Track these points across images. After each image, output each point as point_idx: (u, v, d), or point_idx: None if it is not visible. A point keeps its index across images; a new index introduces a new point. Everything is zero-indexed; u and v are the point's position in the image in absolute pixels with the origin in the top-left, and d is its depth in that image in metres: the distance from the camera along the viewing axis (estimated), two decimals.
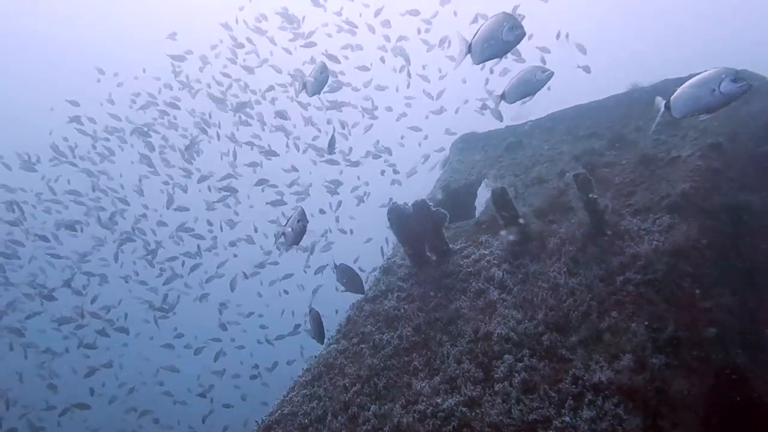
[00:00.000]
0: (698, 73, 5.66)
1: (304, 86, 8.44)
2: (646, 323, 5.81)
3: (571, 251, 7.28)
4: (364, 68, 22.96)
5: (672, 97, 5.86)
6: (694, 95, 5.64)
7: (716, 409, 5.55)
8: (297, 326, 23.55)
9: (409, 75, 22.21)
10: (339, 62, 20.47)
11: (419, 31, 23.12)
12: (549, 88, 7.31)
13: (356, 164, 23.91)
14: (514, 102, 6.90)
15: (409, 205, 8.72)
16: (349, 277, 8.77)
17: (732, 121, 8.55)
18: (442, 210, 8.75)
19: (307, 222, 7.46)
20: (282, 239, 7.60)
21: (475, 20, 19.34)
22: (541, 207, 8.51)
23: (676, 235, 6.77)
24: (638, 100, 10.19)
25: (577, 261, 7.09)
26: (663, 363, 5.43)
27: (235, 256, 28.08)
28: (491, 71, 20.19)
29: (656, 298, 6.11)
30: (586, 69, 16.64)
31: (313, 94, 8.62)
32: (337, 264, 9.00)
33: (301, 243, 7.96)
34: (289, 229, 7.40)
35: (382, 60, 23.37)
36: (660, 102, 6.10)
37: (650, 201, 7.58)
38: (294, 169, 24.98)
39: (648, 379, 5.31)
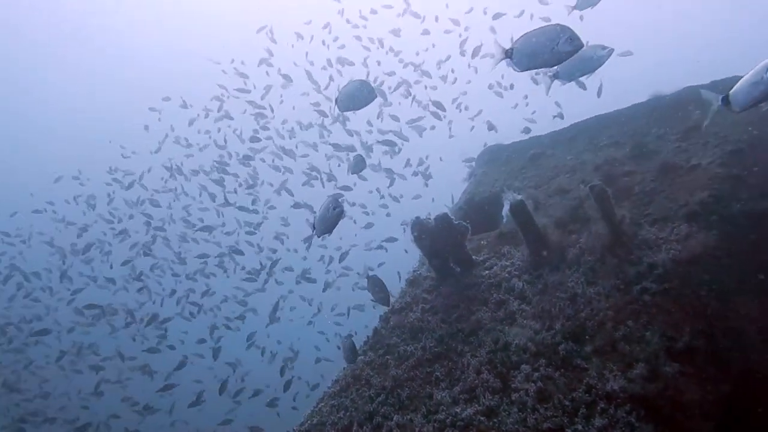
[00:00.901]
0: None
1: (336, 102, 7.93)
2: (661, 332, 5.91)
3: (590, 261, 7.40)
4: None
5: (731, 92, 5.88)
6: (749, 86, 5.67)
7: (733, 417, 5.62)
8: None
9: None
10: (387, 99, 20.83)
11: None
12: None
13: (428, 177, 24.06)
14: (569, 81, 6.73)
15: (432, 218, 8.93)
16: (377, 289, 9.01)
17: (753, 127, 8.56)
18: (464, 223, 8.92)
19: (343, 209, 7.25)
20: (315, 228, 7.32)
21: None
22: (561, 217, 8.63)
23: (693, 243, 6.84)
24: (660, 109, 10.25)
25: (596, 271, 7.20)
26: (677, 371, 5.53)
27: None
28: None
29: (672, 307, 6.20)
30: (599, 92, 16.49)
31: (345, 111, 8.17)
32: (370, 274, 9.24)
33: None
34: (322, 215, 7.18)
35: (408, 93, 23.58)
36: (709, 95, 6.14)
37: (669, 210, 7.65)
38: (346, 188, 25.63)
39: (661, 387, 5.41)
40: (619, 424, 5.14)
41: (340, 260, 22.88)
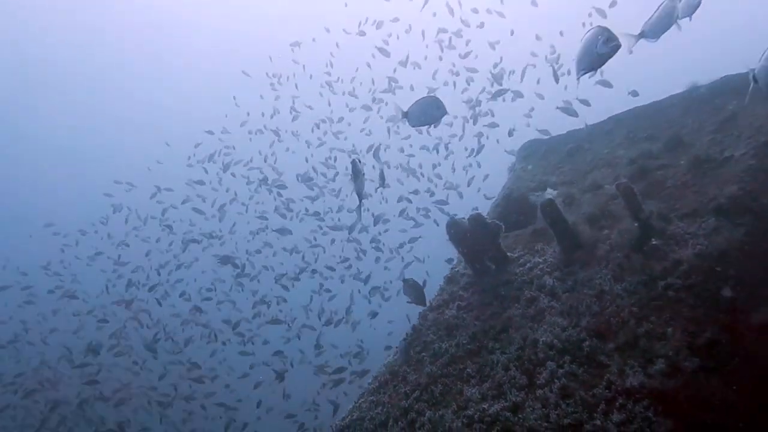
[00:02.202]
0: None
1: (405, 115, 8.09)
2: (683, 328, 6.02)
3: (618, 258, 7.50)
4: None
5: (756, 70, 5.67)
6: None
7: (758, 412, 5.69)
8: None
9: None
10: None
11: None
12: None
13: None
14: (656, 39, 6.58)
15: (466, 218, 9.17)
16: (412, 291, 9.39)
17: None
18: (497, 221, 9.12)
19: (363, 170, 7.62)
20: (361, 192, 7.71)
21: None
22: (593, 213, 8.72)
23: (719, 238, 6.88)
24: (696, 100, 10.18)
25: (623, 267, 7.30)
26: (697, 366, 5.64)
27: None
28: None
29: (695, 303, 6.28)
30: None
31: (416, 126, 8.39)
32: (406, 278, 9.64)
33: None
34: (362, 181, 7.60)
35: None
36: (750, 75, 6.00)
37: (699, 204, 7.66)
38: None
39: (680, 382, 5.54)
40: (637, 419, 5.31)
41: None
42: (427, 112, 8.00)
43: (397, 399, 7.54)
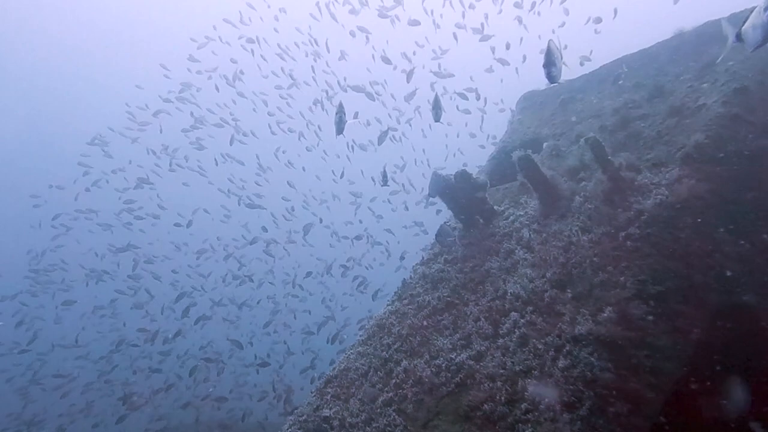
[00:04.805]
0: None
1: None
2: (635, 276, 6.29)
3: (589, 209, 7.73)
4: None
5: (743, 28, 5.43)
6: (752, 29, 5.24)
7: (707, 353, 5.98)
8: None
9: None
10: None
11: None
12: None
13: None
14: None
15: (452, 175, 9.45)
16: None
17: (764, 63, 8.42)
18: (483, 178, 9.40)
19: (345, 115, 8.42)
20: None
21: None
22: (573, 166, 8.90)
23: (680, 188, 7.04)
24: (681, 46, 10.12)
25: (592, 219, 7.54)
26: (644, 312, 5.93)
27: None
28: None
29: (651, 251, 6.52)
30: None
31: (438, 120, 9.60)
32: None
33: None
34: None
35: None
36: (728, 29, 5.88)
37: (667, 154, 7.80)
38: None
39: (626, 328, 5.85)
40: (581, 364, 5.66)
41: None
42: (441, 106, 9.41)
43: (380, 350, 8.01)
